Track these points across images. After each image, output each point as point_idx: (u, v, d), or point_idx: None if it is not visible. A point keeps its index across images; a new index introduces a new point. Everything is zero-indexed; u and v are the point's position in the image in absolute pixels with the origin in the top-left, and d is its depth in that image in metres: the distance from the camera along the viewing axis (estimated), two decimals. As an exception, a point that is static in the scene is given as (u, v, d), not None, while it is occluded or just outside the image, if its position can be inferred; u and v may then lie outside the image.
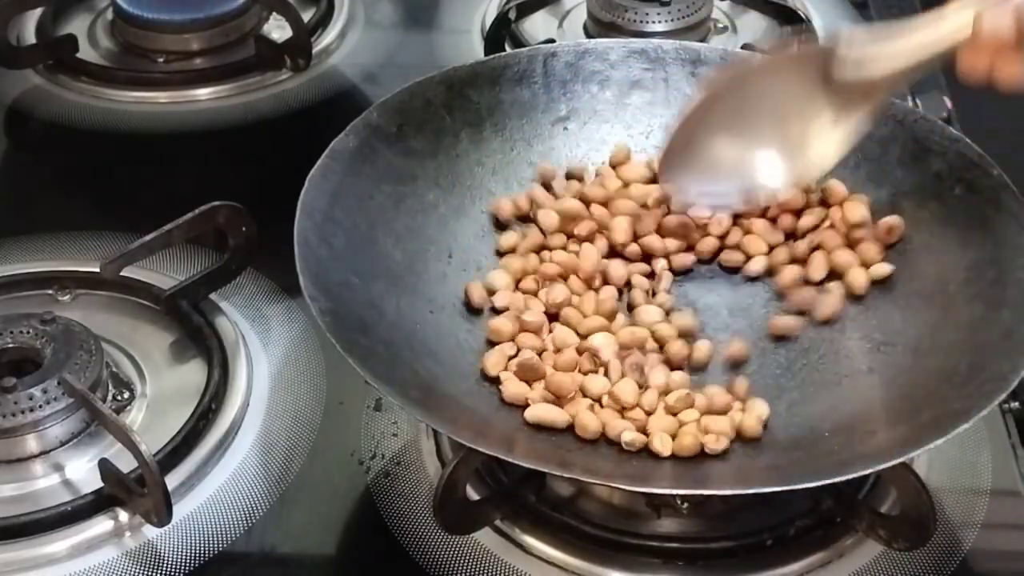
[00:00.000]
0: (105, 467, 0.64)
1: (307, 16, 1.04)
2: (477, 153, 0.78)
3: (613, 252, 0.74)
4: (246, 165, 0.93)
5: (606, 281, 0.72)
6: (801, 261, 0.73)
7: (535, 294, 0.72)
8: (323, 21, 1.06)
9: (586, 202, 0.76)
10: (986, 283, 0.68)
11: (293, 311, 0.78)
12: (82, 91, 0.99)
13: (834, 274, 0.72)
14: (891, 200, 0.75)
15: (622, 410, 0.65)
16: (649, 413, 0.65)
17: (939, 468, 0.68)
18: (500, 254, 0.75)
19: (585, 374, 0.67)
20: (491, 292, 0.71)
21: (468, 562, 0.63)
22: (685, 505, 0.65)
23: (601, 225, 0.75)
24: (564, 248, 0.74)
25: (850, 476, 0.58)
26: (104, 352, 0.70)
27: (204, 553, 0.64)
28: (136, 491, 0.63)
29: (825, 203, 0.76)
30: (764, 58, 0.75)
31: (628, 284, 0.73)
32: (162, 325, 0.76)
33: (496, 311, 0.71)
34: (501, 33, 0.99)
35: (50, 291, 0.78)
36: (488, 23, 1.02)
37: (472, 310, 0.71)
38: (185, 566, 0.64)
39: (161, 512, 0.62)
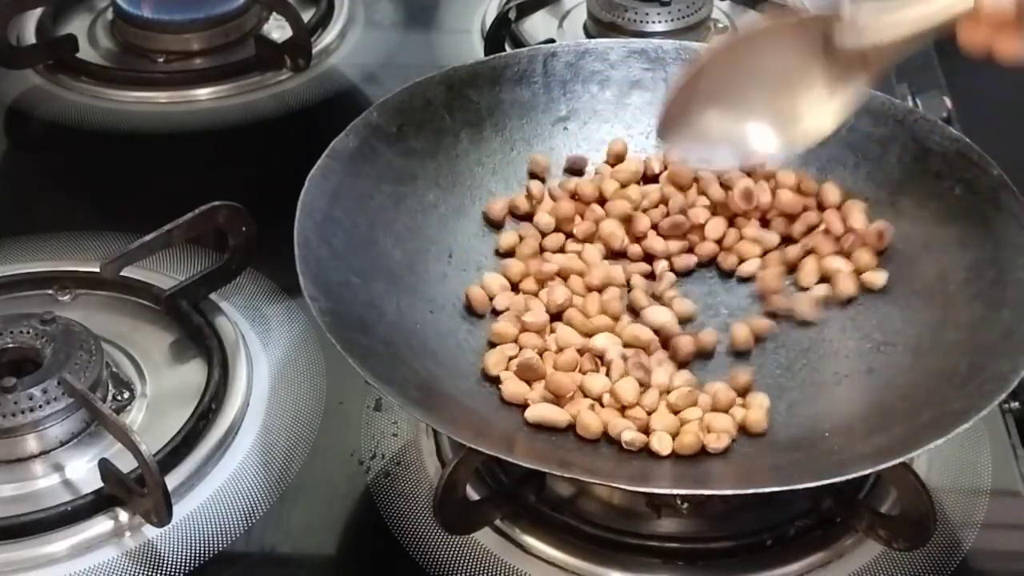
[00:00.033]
0: (105, 467, 0.64)
1: (307, 16, 1.04)
2: (477, 153, 0.78)
3: (614, 251, 0.74)
4: (246, 165, 0.93)
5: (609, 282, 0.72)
6: (792, 265, 0.73)
7: (536, 294, 0.72)
8: (323, 21, 1.06)
9: (583, 200, 0.76)
10: (986, 283, 0.68)
11: (293, 311, 0.78)
12: (82, 91, 0.99)
13: (824, 280, 0.73)
14: (891, 200, 0.75)
15: (623, 409, 0.65)
16: (650, 412, 0.65)
17: (939, 468, 0.68)
18: (500, 254, 0.75)
19: (585, 374, 0.67)
20: (491, 295, 0.71)
21: (468, 562, 0.63)
22: (685, 505, 0.65)
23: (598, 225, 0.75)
24: (563, 249, 0.74)
25: (850, 476, 0.58)
26: (104, 352, 0.70)
27: (204, 553, 0.64)
28: (136, 491, 0.63)
29: (821, 206, 0.76)
30: (765, 23, 0.74)
31: (628, 285, 0.73)
32: (162, 325, 0.76)
33: (497, 313, 0.71)
34: (501, 33, 0.99)
35: (50, 291, 0.78)
36: (488, 23, 1.02)
37: (473, 313, 0.71)
38: (185, 566, 0.64)
39: (161, 512, 0.62)
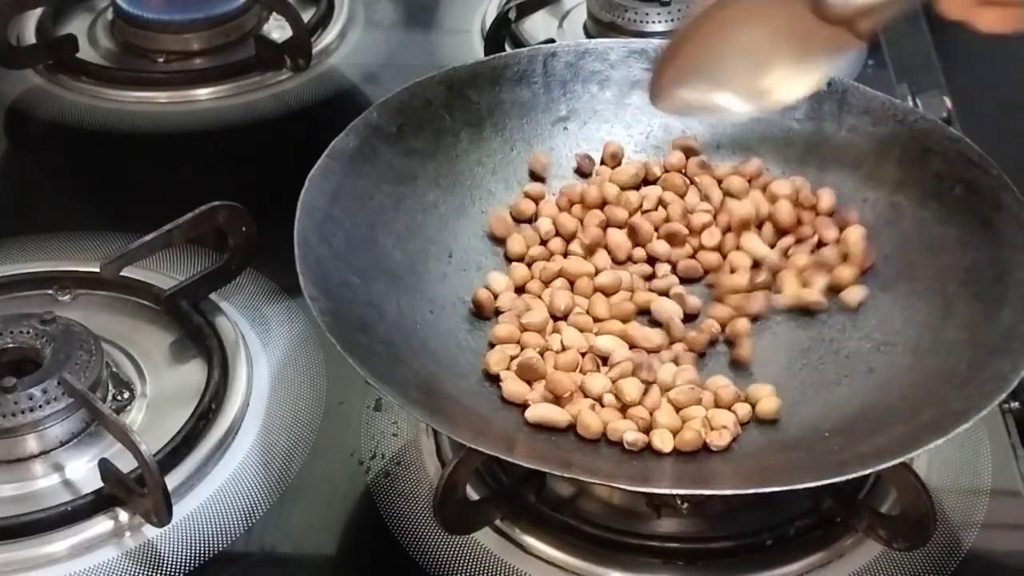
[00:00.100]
0: (105, 467, 0.64)
1: (307, 16, 1.04)
2: (477, 153, 0.78)
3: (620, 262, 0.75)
4: (246, 165, 0.93)
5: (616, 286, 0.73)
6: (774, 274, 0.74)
7: (539, 295, 0.72)
8: (323, 21, 1.06)
9: (588, 206, 0.76)
10: (986, 283, 0.68)
11: (293, 311, 0.78)
12: (82, 91, 0.99)
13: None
14: (891, 200, 0.75)
15: (624, 408, 0.65)
16: (652, 411, 0.64)
17: (939, 468, 0.68)
18: (508, 259, 0.75)
19: (585, 374, 0.67)
20: (496, 295, 0.72)
21: (468, 562, 0.63)
22: (685, 505, 0.65)
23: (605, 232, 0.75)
24: (566, 253, 0.74)
25: (850, 476, 0.58)
26: (104, 352, 0.70)
27: (204, 553, 0.64)
28: (136, 491, 0.63)
29: (814, 209, 0.76)
30: None
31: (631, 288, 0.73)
32: (162, 325, 0.76)
33: (499, 314, 0.71)
34: (501, 33, 0.99)
35: (50, 291, 0.78)
36: (488, 23, 1.02)
37: (478, 314, 0.71)
38: (185, 566, 0.64)
39: (161, 512, 0.62)
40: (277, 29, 1.05)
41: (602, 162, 0.79)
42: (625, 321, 0.70)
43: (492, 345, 0.69)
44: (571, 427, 0.64)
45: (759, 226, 0.75)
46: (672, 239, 0.74)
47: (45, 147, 0.97)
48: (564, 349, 0.68)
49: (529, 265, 0.74)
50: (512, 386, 0.66)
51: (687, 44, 0.70)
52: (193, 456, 0.68)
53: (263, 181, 0.88)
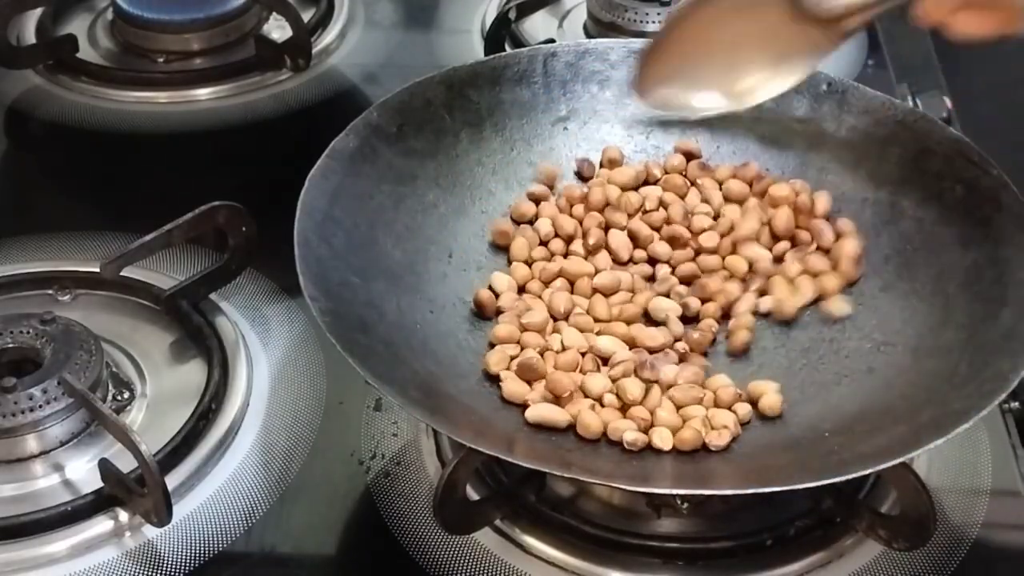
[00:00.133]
0: (105, 467, 0.64)
1: (307, 16, 1.04)
2: (477, 153, 0.78)
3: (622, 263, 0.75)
4: (246, 165, 0.93)
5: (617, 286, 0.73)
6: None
7: (540, 296, 0.72)
8: (323, 21, 1.07)
9: (592, 208, 0.76)
10: (986, 283, 0.68)
11: (293, 311, 0.78)
12: (82, 91, 0.99)
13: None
14: (891, 200, 0.75)
15: (624, 408, 0.65)
16: (653, 411, 0.65)
17: (939, 468, 0.68)
18: (509, 260, 0.75)
19: (585, 374, 0.67)
20: (498, 295, 0.72)
21: (468, 562, 0.63)
22: (685, 505, 0.65)
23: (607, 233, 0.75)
24: (566, 254, 0.74)
25: (850, 476, 0.58)
26: (104, 352, 0.70)
27: (204, 553, 0.64)
28: (136, 491, 0.63)
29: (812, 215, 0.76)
30: None
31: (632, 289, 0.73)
32: (162, 325, 0.76)
33: (500, 314, 0.71)
34: (501, 33, 0.99)
35: (50, 291, 0.78)
36: (488, 23, 1.02)
37: (479, 314, 0.71)
38: (185, 566, 0.64)
39: (161, 512, 0.62)
40: (277, 29, 1.05)
41: (601, 166, 0.79)
42: (630, 323, 0.70)
43: (492, 345, 0.69)
44: (571, 427, 0.64)
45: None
46: (674, 242, 0.74)
47: (45, 147, 0.97)
48: (564, 349, 0.68)
49: (530, 265, 0.74)
50: (512, 386, 0.66)
51: (669, 41, 0.70)
52: (193, 456, 0.68)
53: (263, 181, 0.88)
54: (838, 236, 0.74)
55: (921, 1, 0.63)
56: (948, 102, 0.93)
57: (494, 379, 0.67)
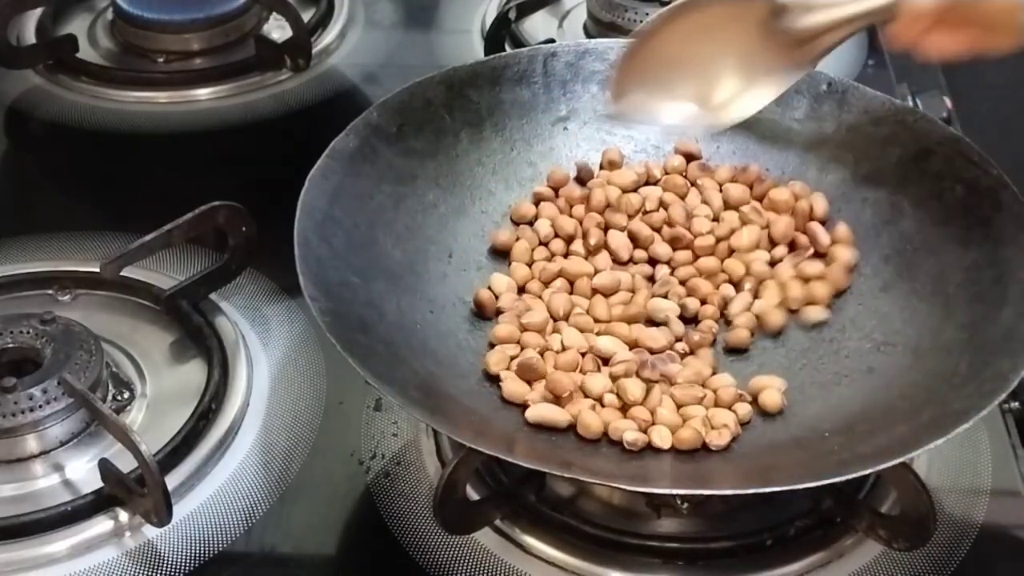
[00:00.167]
0: (105, 467, 0.64)
1: (307, 16, 1.04)
2: (477, 153, 0.78)
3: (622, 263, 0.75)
4: (246, 165, 0.93)
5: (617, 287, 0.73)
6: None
7: (540, 296, 0.72)
8: (323, 21, 1.07)
9: (594, 209, 0.76)
10: (986, 283, 0.68)
11: (293, 311, 0.78)
12: (82, 91, 0.99)
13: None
14: (891, 200, 0.75)
15: (624, 408, 0.65)
16: (653, 410, 0.65)
17: (939, 468, 0.68)
18: (510, 261, 0.75)
19: (585, 374, 0.67)
20: (497, 295, 0.72)
21: (468, 562, 0.63)
22: (685, 505, 0.65)
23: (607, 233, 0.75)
24: (566, 254, 0.74)
25: (850, 476, 0.58)
26: (104, 352, 0.70)
27: (204, 553, 0.64)
28: (136, 491, 0.63)
29: (810, 217, 0.75)
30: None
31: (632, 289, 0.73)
32: (162, 325, 0.76)
33: (500, 314, 0.71)
34: (501, 33, 0.99)
35: (50, 291, 0.78)
36: (488, 23, 1.02)
37: (479, 315, 0.71)
38: (185, 566, 0.64)
39: (161, 512, 0.62)
40: (277, 29, 1.05)
41: (601, 167, 0.79)
42: (631, 323, 0.70)
43: (492, 345, 0.69)
44: (571, 427, 0.64)
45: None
46: (675, 243, 0.74)
47: (45, 147, 0.97)
48: (564, 349, 0.68)
49: (530, 265, 0.74)
50: (512, 386, 0.66)
51: (639, 56, 0.71)
52: (193, 456, 0.68)
53: (263, 181, 0.88)
54: (834, 242, 0.74)
55: (894, 22, 0.64)
56: (948, 102, 0.93)
57: (494, 379, 0.67)
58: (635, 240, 0.74)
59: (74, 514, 0.64)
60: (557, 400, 0.65)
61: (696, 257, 0.74)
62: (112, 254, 0.73)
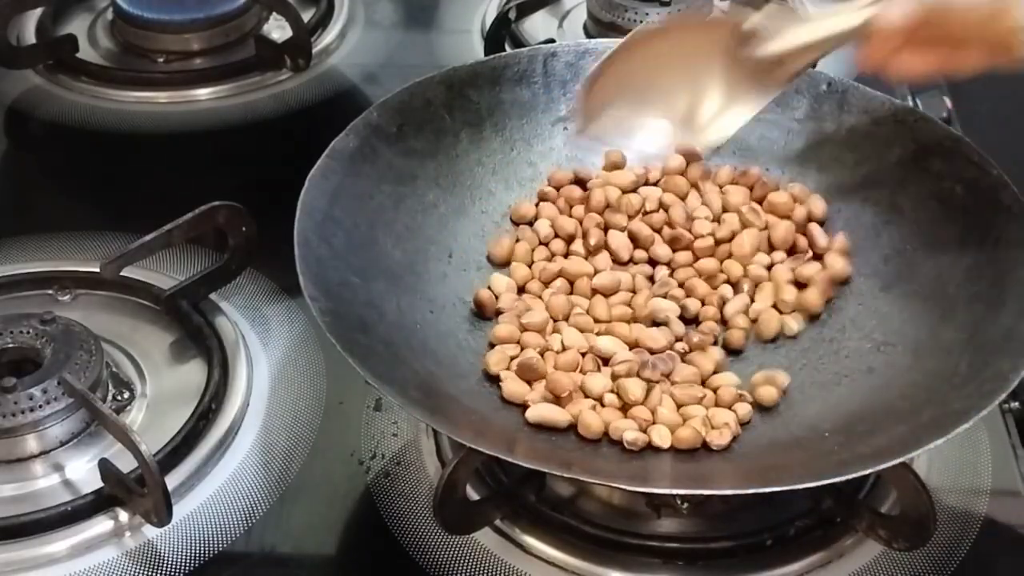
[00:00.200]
0: (105, 467, 0.64)
1: (307, 16, 1.04)
2: (477, 153, 0.78)
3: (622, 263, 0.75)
4: (246, 165, 0.93)
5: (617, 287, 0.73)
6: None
7: (540, 296, 0.72)
8: (323, 21, 1.07)
9: (593, 210, 0.76)
10: (986, 283, 0.68)
11: (293, 311, 0.78)
12: (82, 91, 0.99)
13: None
14: (891, 200, 0.75)
15: (625, 408, 0.65)
16: (654, 410, 0.65)
17: (939, 468, 0.68)
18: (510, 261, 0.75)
19: (585, 374, 0.67)
20: (497, 296, 0.72)
21: (468, 562, 0.63)
22: (685, 505, 0.65)
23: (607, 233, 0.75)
24: (566, 254, 0.74)
25: (850, 476, 0.58)
26: (104, 352, 0.70)
27: (204, 553, 0.64)
28: (136, 491, 0.63)
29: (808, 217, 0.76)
30: (679, 20, 0.76)
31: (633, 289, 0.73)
32: (162, 325, 0.76)
33: (500, 314, 0.71)
34: (501, 33, 0.99)
35: (50, 291, 0.78)
36: (488, 23, 1.02)
37: (479, 315, 0.71)
38: (185, 566, 0.64)
39: (161, 512, 0.62)
40: (277, 29, 1.05)
41: (604, 168, 0.79)
42: (631, 324, 0.70)
43: (492, 345, 0.69)
44: (571, 427, 0.64)
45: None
46: (675, 244, 0.74)
47: (45, 147, 0.97)
48: (564, 349, 0.68)
49: (530, 265, 0.74)
50: (512, 386, 0.66)
51: (609, 77, 0.72)
52: (193, 456, 0.68)
53: (263, 181, 0.88)
54: (830, 249, 0.74)
55: (864, 45, 0.64)
56: (948, 102, 0.93)
57: (494, 379, 0.67)
58: (635, 240, 0.74)
59: (74, 514, 0.64)
60: (557, 400, 0.65)
61: (696, 258, 0.74)
62: (112, 254, 0.73)
